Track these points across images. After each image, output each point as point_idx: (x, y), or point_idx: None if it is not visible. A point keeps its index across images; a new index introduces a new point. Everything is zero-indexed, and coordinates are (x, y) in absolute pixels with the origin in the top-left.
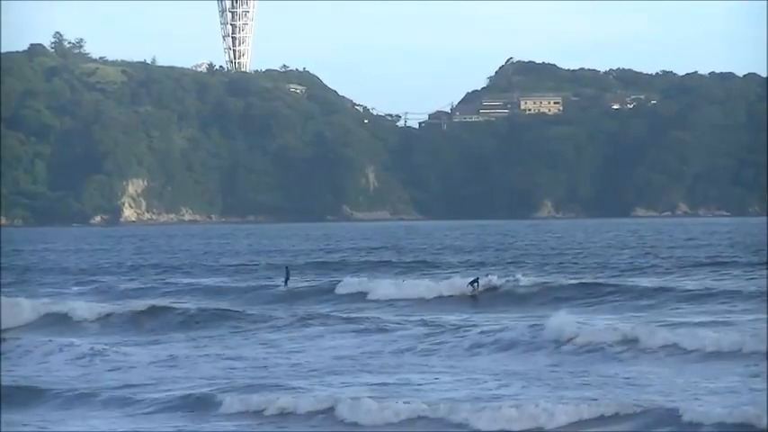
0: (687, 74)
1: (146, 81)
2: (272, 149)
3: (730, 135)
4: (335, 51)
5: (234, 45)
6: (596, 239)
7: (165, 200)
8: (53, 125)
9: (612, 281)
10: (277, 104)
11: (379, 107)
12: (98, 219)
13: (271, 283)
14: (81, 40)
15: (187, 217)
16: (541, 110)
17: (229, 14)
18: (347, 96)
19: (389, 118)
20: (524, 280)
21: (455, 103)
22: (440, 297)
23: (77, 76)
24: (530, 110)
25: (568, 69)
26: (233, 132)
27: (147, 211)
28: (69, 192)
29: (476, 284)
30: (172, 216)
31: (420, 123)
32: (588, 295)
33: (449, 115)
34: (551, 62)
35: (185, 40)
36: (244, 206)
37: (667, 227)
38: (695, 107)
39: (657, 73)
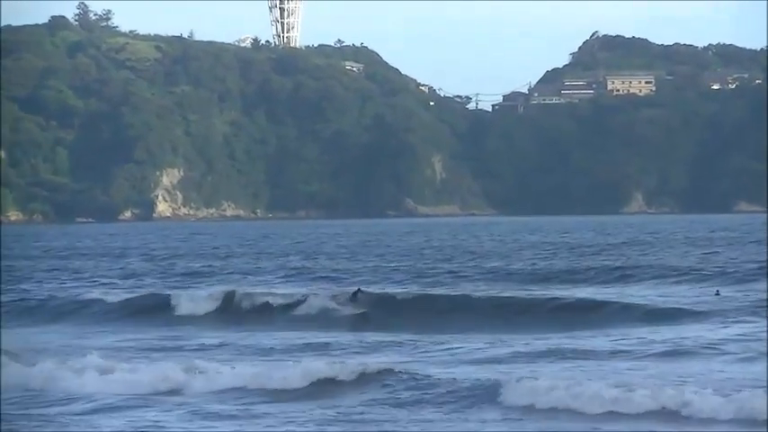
0: None
1: (182, 58)
2: (326, 135)
3: None
4: (397, 25)
5: (282, 17)
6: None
7: (205, 193)
8: (77, 107)
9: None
10: (331, 84)
11: (447, 88)
12: (128, 214)
13: None
14: (108, 11)
15: (229, 212)
16: (631, 90)
17: None
18: (410, 75)
19: (458, 100)
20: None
21: (533, 82)
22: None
23: (104, 53)
24: (617, 90)
25: (661, 45)
26: (281, 116)
27: (184, 206)
28: (95, 183)
29: (357, 296)
30: (212, 211)
31: (493, 106)
32: None
33: (526, 96)
34: (642, 36)
35: (227, 13)
36: (293, 200)
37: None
38: None
39: (762, 48)
